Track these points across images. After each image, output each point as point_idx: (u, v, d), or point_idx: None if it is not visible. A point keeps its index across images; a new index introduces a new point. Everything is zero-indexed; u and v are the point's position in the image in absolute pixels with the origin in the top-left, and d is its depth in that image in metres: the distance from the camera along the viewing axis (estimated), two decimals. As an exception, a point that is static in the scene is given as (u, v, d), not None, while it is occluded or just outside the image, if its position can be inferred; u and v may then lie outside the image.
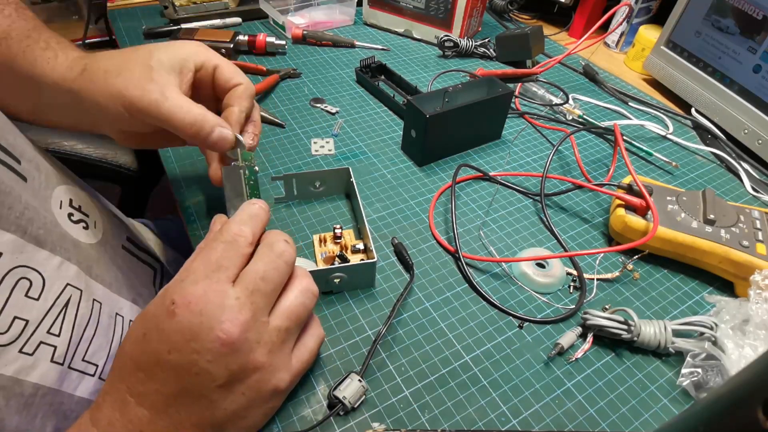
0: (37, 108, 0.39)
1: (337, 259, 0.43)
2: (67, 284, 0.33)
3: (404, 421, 0.34)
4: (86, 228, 0.38)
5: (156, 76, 0.34)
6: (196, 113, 0.34)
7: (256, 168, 0.39)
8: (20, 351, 0.29)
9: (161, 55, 0.35)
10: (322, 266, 0.40)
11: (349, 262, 0.41)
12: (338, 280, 0.40)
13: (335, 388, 0.33)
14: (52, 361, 0.31)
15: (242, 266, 0.30)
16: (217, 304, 0.27)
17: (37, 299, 0.31)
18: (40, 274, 0.31)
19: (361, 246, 0.44)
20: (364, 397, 0.34)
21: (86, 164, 0.65)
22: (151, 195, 0.75)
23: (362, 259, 0.43)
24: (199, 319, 0.27)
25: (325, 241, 0.45)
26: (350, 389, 0.33)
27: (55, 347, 0.32)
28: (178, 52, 0.36)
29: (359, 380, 0.34)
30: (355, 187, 0.46)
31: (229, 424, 0.29)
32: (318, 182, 0.49)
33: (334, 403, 0.33)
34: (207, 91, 0.39)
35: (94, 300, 0.35)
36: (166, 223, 0.64)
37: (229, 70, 0.39)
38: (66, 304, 0.33)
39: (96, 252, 0.38)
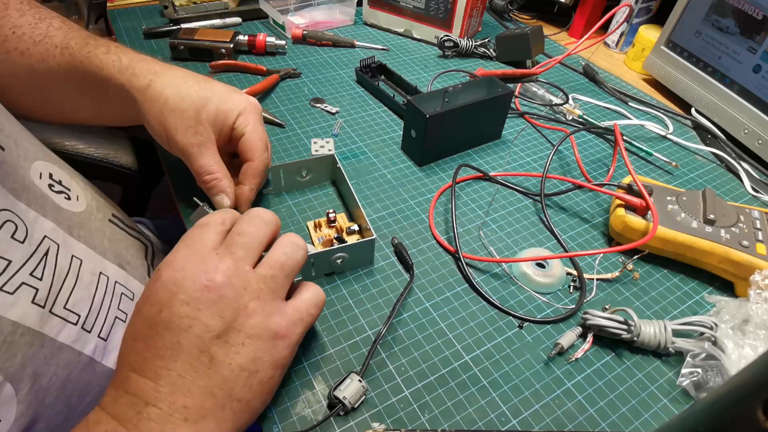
0: (100, 105, 0.44)
1: (335, 241, 0.44)
2: (45, 236, 0.34)
3: (404, 421, 0.34)
4: (68, 199, 0.39)
5: (201, 129, 0.41)
6: (214, 177, 0.42)
7: None
8: (1, 289, 0.29)
9: (211, 109, 0.41)
10: (322, 249, 0.40)
11: (346, 243, 0.42)
12: (340, 260, 0.41)
13: (335, 388, 0.33)
14: (33, 302, 0.32)
15: (221, 238, 0.32)
16: (199, 259, 0.30)
17: (22, 242, 0.32)
18: (22, 221, 0.32)
19: (355, 227, 0.45)
20: (364, 397, 0.34)
21: (88, 164, 0.65)
22: (152, 195, 0.75)
23: (359, 239, 0.44)
24: (182, 273, 0.29)
25: (320, 227, 0.46)
26: (350, 389, 0.33)
27: (37, 290, 0.32)
28: (226, 112, 0.42)
29: (359, 380, 0.34)
30: (343, 171, 0.47)
31: (241, 383, 0.29)
32: (304, 171, 0.50)
33: (334, 403, 0.33)
34: (237, 142, 0.44)
35: (73, 256, 0.36)
36: (166, 223, 0.64)
37: (249, 143, 0.43)
38: (46, 253, 0.34)
39: (78, 218, 0.39)
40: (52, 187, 0.38)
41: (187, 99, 0.41)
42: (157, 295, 0.29)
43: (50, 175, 0.38)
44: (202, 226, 0.32)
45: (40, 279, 0.32)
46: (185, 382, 0.27)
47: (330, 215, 0.46)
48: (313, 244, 0.45)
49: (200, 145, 0.41)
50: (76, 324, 0.35)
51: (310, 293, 0.34)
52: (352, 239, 0.45)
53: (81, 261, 0.36)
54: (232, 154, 0.46)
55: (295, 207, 0.49)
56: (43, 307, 0.32)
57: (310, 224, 0.46)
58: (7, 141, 0.35)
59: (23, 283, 0.31)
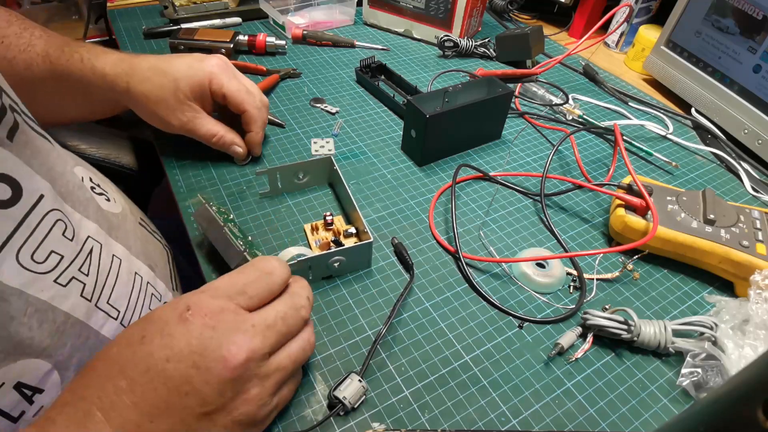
0: (87, 107, 0.49)
1: (332, 244, 0.44)
2: (89, 236, 0.35)
3: (404, 421, 0.34)
4: (108, 201, 0.41)
5: (185, 108, 0.47)
6: (219, 136, 0.50)
7: (231, 216, 0.44)
8: (55, 281, 0.30)
9: (185, 87, 0.46)
10: (319, 253, 0.40)
11: (344, 246, 0.41)
12: (337, 264, 0.41)
13: (335, 388, 0.33)
14: (81, 295, 0.32)
15: (266, 300, 0.30)
16: (233, 325, 0.27)
17: (71, 240, 0.32)
18: (70, 221, 0.33)
19: (352, 230, 0.45)
20: (364, 397, 0.34)
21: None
22: (152, 195, 0.75)
23: (356, 242, 0.44)
24: (210, 333, 0.27)
25: (317, 229, 0.46)
26: (350, 389, 0.33)
27: (84, 284, 0.33)
28: (197, 84, 0.47)
29: (359, 380, 0.34)
30: (340, 173, 0.47)
31: None
32: (301, 173, 0.50)
33: (334, 403, 0.33)
34: (221, 101, 0.50)
35: (113, 255, 0.37)
36: (166, 223, 0.64)
37: (235, 99, 0.48)
38: (90, 252, 0.34)
39: (116, 220, 0.40)
40: (94, 189, 0.39)
41: (162, 88, 0.46)
42: (174, 338, 0.27)
43: (90, 179, 0.40)
44: (266, 273, 0.31)
45: (87, 275, 0.33)
46: None
47: (327, 218, 0.46)
48: (311, 248, 0.44)
49: (193, 119, 0.48)
50: (116, 319, 0.35)
51: (293, 384, 0.33)
52: (349, 242, 0.44)
53: (120, 260, 0.37)
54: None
55: (293, 209, 0.49)
56: (90, 300, 0.33)
57: (308, 227, 0.46)
58: (54, 143, 0.36)
59: (73, 277, 0.32)
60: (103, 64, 0.45)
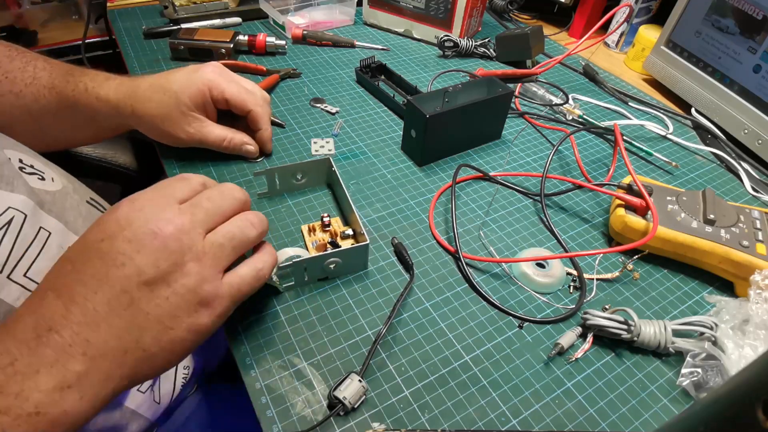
0: (95, 132, 0.51)
1: (328, 245, 0.44)
2: (9, 207, 0.34)
3: (404, 421, 0.34)
4: (42, 179, 0.40)
5: (190, 120, 0.49)
6: (228, 140, 0.51)
7: None
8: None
9: (185, 99, 0.47)
10: (315, 254, 0.40)
11: (340, 247, 0.41)
12: (333, 265, 0.41)
13: (335, 389, 0.33)
14: None
15: (189, 197, 0.32)
16: (160, 205, 0.30)
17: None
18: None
19: (350, 232, 0.45)
20: (364, 397, 0.34)
21: (87, 164, 0.65)
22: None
23: (353, 244, 0.43)
24: (138, 213, 0.29)
25: (314, 230, 0.46)
26: (350, 389, 0.33)
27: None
28: (196, 94, 0.48)
29: (359, 380, 0.34)
30: (338, 174, 0.47)
31: (152, 334, 0.28)
32: (299, 174, 0.50)
33: (334, 403, 0.33)
34: (224, 106, 0.51)
35: (41, 227, 0.36)
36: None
37: (237, 101, 0.50)
38: (9, 222, 0.34)
39: (52, 197, 0.39)
40: (23, 169, 0.39)
41: (165, 106, 0.47)
42: (105, 224, 0.29)
43: (20, 160, 0.39)
44: (183, 179, 0.33)
45: None
46: (97, 316, 0.27)
47: (324, 219, 0.46)
48: (307, 249, 0.44)
49: (200, 129, 0.49)
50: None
51: (247, 270, 0.33)
52: (346, 244, 0.44)
53: (50, 233, 0.37)
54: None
55: (290, 209, 0.49)
56: (0, 272, 0.32)
57: (305, 228, 0.46)
58: None
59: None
60: (107, 91, 0.47)
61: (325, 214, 0.46)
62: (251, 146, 0.52)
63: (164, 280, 0.28)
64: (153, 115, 0.47)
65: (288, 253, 0.41)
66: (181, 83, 0.47)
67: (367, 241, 0.41)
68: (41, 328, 0.26)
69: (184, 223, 0.29)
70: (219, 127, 0.50)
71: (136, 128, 0.49)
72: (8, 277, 0.33)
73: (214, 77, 0.48)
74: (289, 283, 0.41)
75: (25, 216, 0.35)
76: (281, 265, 0.38)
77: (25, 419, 0.24)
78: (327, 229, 0.46)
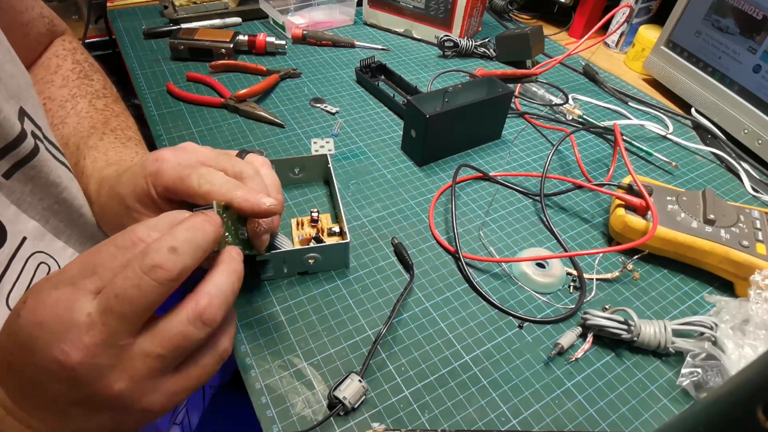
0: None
1: (312, 240, 0.44)
2: None
3: (404, 421, 0.34)
4: None
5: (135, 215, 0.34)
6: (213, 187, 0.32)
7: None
8: None
9: (132, 203, 0.34)
10: (297, 247, 0.41)
11: (323, 243, 0.42)
12: (312, 260, 0.41)
13: (335, 388, 0.33)
14: None
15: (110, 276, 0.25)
16: (63, 319, 0.23)
17: None
18: (57, 260, 0.33)
19: (337, 229, 0.45)
20: (364, 397, 0.34)
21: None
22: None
23: (338, 241, 0.44)
24: (37, 332, 0.23)
25: (303, 225, 0.46)
26: (350, 389, 0.33)
27: None
28: (141, 192, 0.33)
29: (359, 380, 0.34)
30: (332, 172, 0.47)
31: None
32: (297, 168, 0.50)
33: (334, 403, 0.33)
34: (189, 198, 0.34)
35: None
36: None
37: (189, 189, 0.31)
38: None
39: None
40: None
41: (119, 217, 0.35)
42: (11, 336, 0.24)
43: None
44: (121, 248, 0.25)
45: None
46: (41, 416, 0.25)
47: (313, 214, 0.46)
48: (292, 242, 0.45)
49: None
50: None
51: (210, 360, 0.27)
52: (331, 241, 0.44)
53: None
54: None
55: (285, 201, 0.49)
56: None
57: (294, 221, 0.47)
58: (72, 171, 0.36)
59: None
60: (87, 184, 0.38)
61: (315, 210, 0.47)
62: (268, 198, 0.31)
63: (93, 397, 0.24)
64: (109, 217, 0.37)
65: (278, 238, 0.41)
66: (126, 181, 0.34)
67: (348, 240, 0.41)
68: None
69: (95, 344, 0.23)
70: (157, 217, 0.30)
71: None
72: None
73: (156, 166, 0.32)
74: (269, 275, 0.41)
75: None
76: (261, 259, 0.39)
77: None
78: (315, 224, 0.46)
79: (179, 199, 0.32)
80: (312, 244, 0.42)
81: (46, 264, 0.32)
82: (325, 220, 0.47)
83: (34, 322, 0.23)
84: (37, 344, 0.23)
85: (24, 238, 0.30)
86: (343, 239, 0.44)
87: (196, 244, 0.25)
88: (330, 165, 0.48)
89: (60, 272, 0.25)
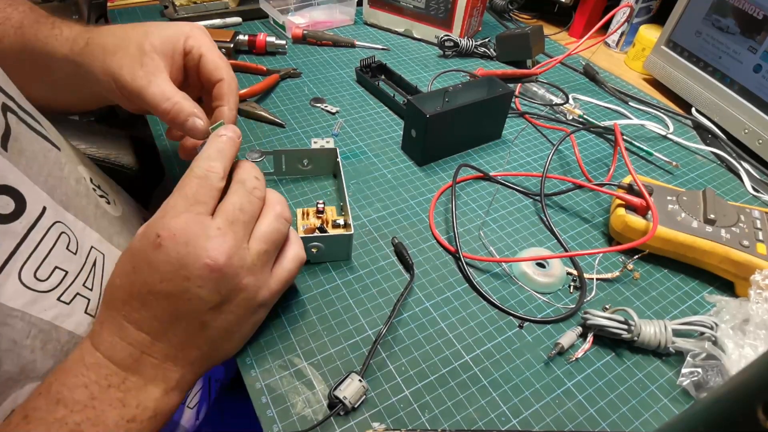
0: (52, 88, 0.42)
1: (316, 230, 0.45)
2: (92, 247, 0.35)
3: (404, 421, 0.34)
4: (108, 203, 0.40)
5: (147, 60, 0.36)
6: (173, 101, 0.36)
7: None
8: (58, 299, 0.31)
9: (155, 38, 0.37)
10: (302, 235, 0.41)
11: (327, 234, 0.42)
12: (315, 249, 0.42)
13: (335, 388, 0.33)
14: (86, 312, 0.33)
15: (217, 198, 0.32)
16: (202, 235, 0.29)
17: (75, 254, 0.33)
18: (72, 232, 0.33)
19: (341, 221, 0.46)
20: (364, 397, 0.34)
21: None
22: (153, 195, 0.75)
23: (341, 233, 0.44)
24: (185, 249, 0.29)
25: (308, 215, 0.47)
26: (350, 389, 0.33)
27: (89, 300, 0.34)
28: (171, 37, 0.38)
29: (359, 380, 0.34)
30: (341, 166, 0.48)
31: (222, 339, 0.32)
32: (306, 160, 0.51)
33: (334, 403, 0.33)
34: (194, 75, 0.41)
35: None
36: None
37: (212, 62, 0.39)
38: (94, 264, 0.35)
39: (118, 224, 0.40)
40: (95, 191, 0.39)
41: (125, 38, 0.37)
42: (157, 264, 0.29)
43: (91, 180, 0.40)
44: (203, 177, 0.31)
45: (91, 289, 0.34)
46: (178, 339, 0.30)
47: (319, 206, 0.47)
48: (297, 231, 0.45)
49: (148, 75, 0.36)
50: None
51: (292, 260, 0.35)
52: (335, 232, 0.45)
53: None
54: (198, 99, 0.42)
55: (292, 192, 0.50)
56: (94, 316, 0.33)
57: (300, 211, 0.47)
58: (58, 142, 0.36)
59: (78, 293, 0.32)
60: (71, 29, 0.39)
61: (321, 201, 0.47)
62: (200, 120, 0.37)
63: (227, 300, 0.31)
64: (105, 48, 0.37)
65: None
66: (160, 24, 0.39)
67: (351, 231, 0.42)
68: (136, 354, 0.30)
69: (231, 247, 0.30)
70: (171, 85, 0.37)
71: (89, 82, 0.38)
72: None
73: (197, 32, 0.40)
74: None
75: (104, 255, 0.36)
76: None
77: (147, 423, 0.30)
78: (320, 215, 0.47)
79: (194, 70, 0.40)
80: (316, 234, 0.43)
81: (67, 235, 0.32)
82: (331, 212, 0.48)
83: (180, 243, 0.29)
84: (188, 259, 0.29)
85: (44, 208, 0.31)
86: (347, 231, 0.44)
87: (258, 169, 0.35)
88: (339, 159, 0.48)
89: (167, 207, 0.31)
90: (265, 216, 0.33)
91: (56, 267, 0.31)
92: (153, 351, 0.30)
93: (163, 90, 0.36)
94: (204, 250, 0.29)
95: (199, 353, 0.32)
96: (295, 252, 0.36)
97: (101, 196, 0.40)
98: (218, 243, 0.29)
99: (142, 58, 0.36)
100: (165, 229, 0.29)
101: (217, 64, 0.39)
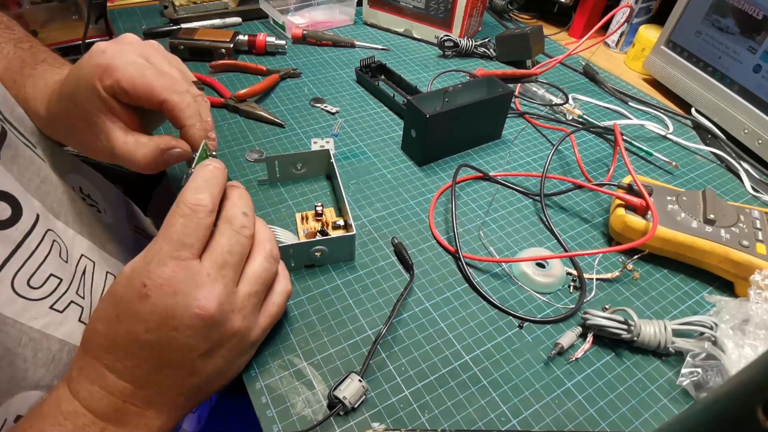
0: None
1: (318, 234, 0.45)
2: (82, 255, 0.35)
3: (404, 421, 0.34)
4: (99, 212, 0.40)
5: (100, 128, 0.33)
6: (145, 153, 0.33)
7: (215, 153, 0.36)
8: (51, 307, 0.31)
9: (82, 100, 0.33)
10: (304, 240, 0.41)
11: (329, 236, 0.42)
12: (319, 253, 0.42)
13: (335, 388, 0.33)
14: (79, 320, 0.33)
15: (205, 238, 0.29)
16: (190, 283, 0.28)
17: (67, 262, 0.32)
18: (62, 241, 0.33)
19: (341, 222, 0.46)
20: (364, 397, 0.34)
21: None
22: (152, 195, 0.75)
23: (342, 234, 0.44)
24: (174, 299, 0.27)
25: (307, 219, 0.47)
26: (350, 389, 0.33)
27: (83, 308, 0.33)
28: (90, 91, 0.32)
29: (359, 380, 0.34)
30: (335, 166, 0.48)
31: (211, 383, 0.31)
32: (299, 164, 0.50)
33: (334, 403, 0.33)
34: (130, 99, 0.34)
35: (107, 272, 0.37)
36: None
37: (141, 86, 0.32)
38: (83, 272, 0.34)
39: (110, 232, 0.40)
40: (85, 200, 0.39)
41: (72, 116, 0.34)
42: (143, 315, 0.27)
43: (81, 189, 0.39)
44: (188, 216, 0.28)
45: (83, 298, 0.33)
46: (162, 387, 0.29)
47: (318, 209, 0.47)
48: (298, 236, 0.45)
49: (109, 145, 0.33)
50: None
51: (280, 293, 0.35)
52: (336, 234, 0.45)
53: (114, 277, 0.36)
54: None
55: (288, 197, 0.50)
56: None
57: (299, 216, 0.47)
58: (47, 152, 0.35)
59: (71, 301, 0.32)
60: (35, 95, 0.36)
61: (319, 204, 0.47)
62: (177, 148, 0.34)
63: (218, 345, 0.30)
64: (62, 131, 0.36)
65: (278, 233, 0.42)
66: (74, 79, 0.33)
67: (354, 232, 0.42)
68: (116, 405, 0.28)
69: (221, 294, 0.29)
70: (137, 143, 0.33)
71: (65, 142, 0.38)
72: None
73: (107, 59, 0.32)
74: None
75: (94, 263, 0.36)
76: None
77: None
78: (319, 218, 0.47)
79: (133, 102, 0.33)
80: (318, 237, 0.43)
81: (58, 243, 0.32)
82: (329, 214, 0.48)
83: (168, 293, 0.27)
84: (177, 309, 0.27)
85: (38, 215, 0.30)
86: (348, 232, 0.44)
87: (248, 198, 0.33)
88: (332, 160, 0.48)
89: (151, 252, 0.28)
90: (254, 256, 0.32)
91: (51, 275, 0.31)
92: (135, 399, 0.29)
93: (127, 147, 0.33)
94: (194, 299, 0.28)
95: (184, 398, 0.31)
96: (283, 286, 0.35)
97: (91, 205, 0.40)
98: (208, 291, 0.28)
99: (92, 128, 0.33)
100: (151, 279, 0.27)
101: (144, 84, 0.32)
